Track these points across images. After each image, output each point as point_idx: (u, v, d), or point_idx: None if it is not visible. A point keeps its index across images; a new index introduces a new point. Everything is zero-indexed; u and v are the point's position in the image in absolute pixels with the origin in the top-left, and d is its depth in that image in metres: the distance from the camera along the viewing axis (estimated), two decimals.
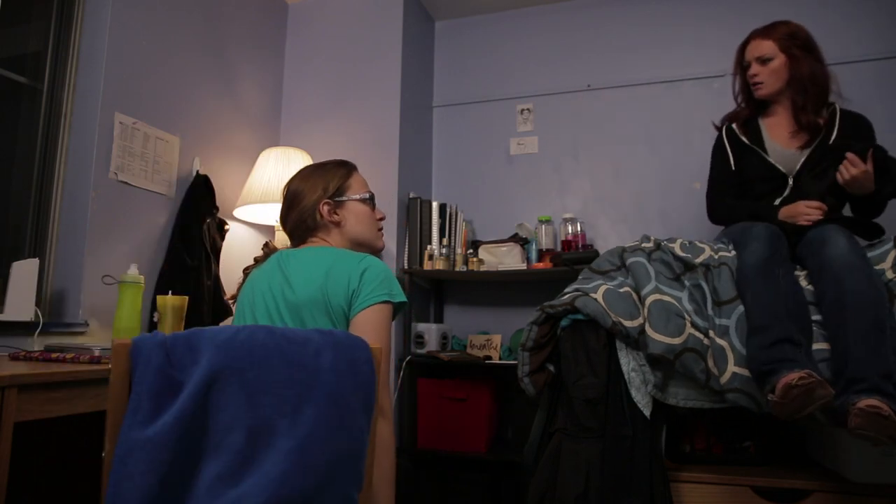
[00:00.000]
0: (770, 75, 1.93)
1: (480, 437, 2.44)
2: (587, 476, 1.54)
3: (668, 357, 1.53)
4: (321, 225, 1.42)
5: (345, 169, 1.48)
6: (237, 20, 2.63)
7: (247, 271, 1.46)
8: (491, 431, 2.52)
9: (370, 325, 1.24)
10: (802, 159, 1.90)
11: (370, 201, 1.48)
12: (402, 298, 1.30)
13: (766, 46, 1.93)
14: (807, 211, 1.77)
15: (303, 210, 1.42)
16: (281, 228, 1.51)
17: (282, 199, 1.48)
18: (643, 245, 1.83)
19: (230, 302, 1.53)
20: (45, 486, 1.68)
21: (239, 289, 1.43)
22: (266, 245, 1.48)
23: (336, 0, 2.93)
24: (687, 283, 1.70)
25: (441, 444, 2.47)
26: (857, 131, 1.89)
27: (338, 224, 1.43)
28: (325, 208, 1.41)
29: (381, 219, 1.52)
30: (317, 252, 1.35)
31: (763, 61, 1.93)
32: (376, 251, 1.47)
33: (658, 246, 1.80)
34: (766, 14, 2.61)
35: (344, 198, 1.44)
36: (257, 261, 1.46)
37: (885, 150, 1.76)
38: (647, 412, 1.57)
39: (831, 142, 1.86)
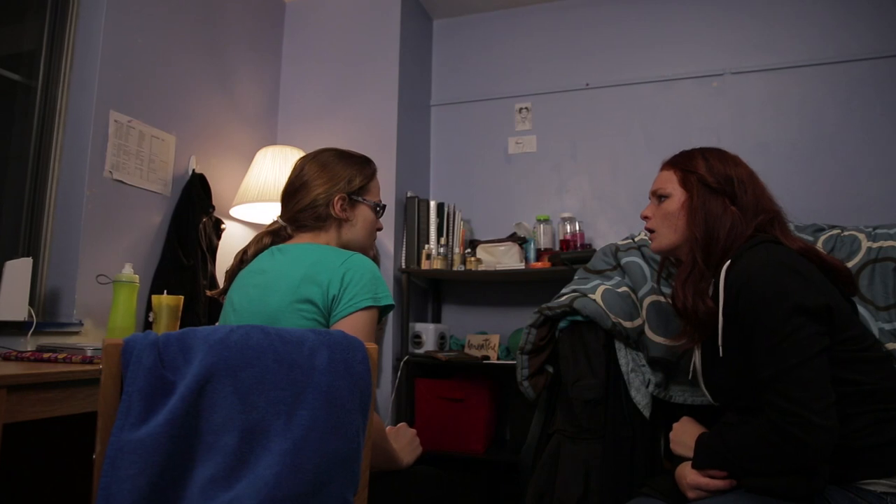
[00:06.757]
0: None
1: (478, 437, 2.42)
2: (586, 477, 1.53)
3: (671, 359, 1.51)
4: (327, 217, 1.34)
5: (370, 169, 1.43)
6: (234, 18, 2.62)
7: (231, 272, 1.38)
8: (489, 432, 2.51)
9: (352, 333, 1.12)
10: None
11: (381, 211, 1.43)
12: (389, 301, 1.22)
13: None
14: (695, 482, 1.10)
15: (317, 197, 1.33)
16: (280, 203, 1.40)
17: (292, 173, 1.38)
18: (636, 240, 1.79)
19: (215, 295, 1.44)
20: (37, 488, 1.66)
21: (224, 291, 1.36)
22: (259, 240, 1.38)
23: None
24: None
25: (439, 445, 2.45)
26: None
27: (344, 221, 1.35)
28: (340, 203, 1.34)
29: (379, 229, 1.46)
30: (299, 252, 1.28)
31: None
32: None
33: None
34: (765, 14, 2.62)
35: (360, 199, 1.38)
36: (244, 261, 1.37)
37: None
38: (646, 413, 1.56)
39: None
